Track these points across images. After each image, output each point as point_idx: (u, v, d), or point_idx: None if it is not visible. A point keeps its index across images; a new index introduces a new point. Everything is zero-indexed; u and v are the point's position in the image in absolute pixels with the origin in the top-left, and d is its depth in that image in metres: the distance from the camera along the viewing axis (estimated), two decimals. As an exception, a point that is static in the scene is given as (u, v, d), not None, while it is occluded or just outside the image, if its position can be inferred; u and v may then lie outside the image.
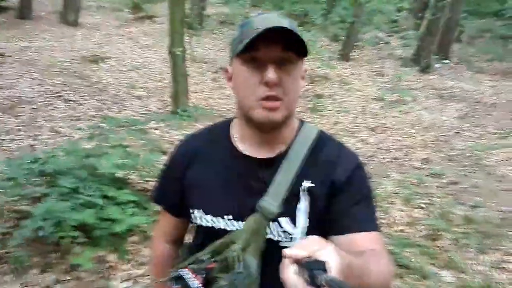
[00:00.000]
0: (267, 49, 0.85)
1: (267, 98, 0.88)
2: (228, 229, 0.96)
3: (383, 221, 3.64)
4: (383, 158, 5.34)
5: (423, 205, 3.98)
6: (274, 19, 0.87)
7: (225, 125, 1.06)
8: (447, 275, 2.89)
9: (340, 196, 0.93)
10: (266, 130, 0.94)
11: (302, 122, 1.03)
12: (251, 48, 0.85)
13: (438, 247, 3.27)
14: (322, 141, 1.00)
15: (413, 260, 2.98)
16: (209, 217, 0.98)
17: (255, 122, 0.92)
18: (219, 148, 1.02)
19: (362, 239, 0.89)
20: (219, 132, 1.05)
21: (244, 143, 0.99)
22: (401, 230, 3.50)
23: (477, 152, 5.72)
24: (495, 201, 4.20)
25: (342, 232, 0.91)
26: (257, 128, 0.94)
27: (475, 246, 3.29)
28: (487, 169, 5.15)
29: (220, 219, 0.97)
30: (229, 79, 0.97)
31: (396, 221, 3.67)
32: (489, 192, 4.43)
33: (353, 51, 11.11)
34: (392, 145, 5.91)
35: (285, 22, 0.87)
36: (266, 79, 0.86)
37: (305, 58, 0.92)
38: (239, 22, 0.97)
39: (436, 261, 3.05)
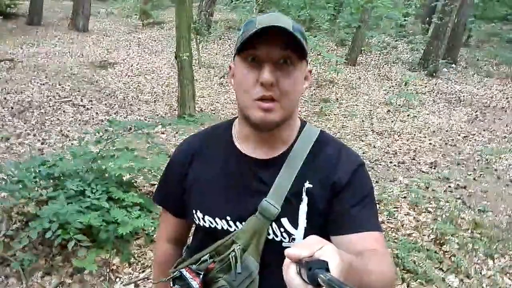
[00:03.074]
0: (266, 48, 0.85)
1: (263, 99, 0.87)
2: (229, 229, 0.95)
3: (390, 225, 3.61)
4: (390, 162, 5.31)
5: (430, 209, 3.95)
6: (276, 18, 0.87)
7: (227, 125, 1.06)
8: (453, 280, 2.86)
9: (341, 197, 0.93)
10: (263, 130, 0.93)
11: (304, 123, 1.03)
12: (251, 47, 0.85)
13: (445, 251, 3.24)
14: (324, 142, 1.00)
15: (419, 264, 2.96)
16: (209, 217, 0.98)
17: (251, 122, 0.92)
18: (219, 148, 1.02)
19: (363, 239, 0.89)
20: (221, 132, 1.05)
21: (245, 143, 0.99)
22: (408, 234, 3.48)
23: (485, 156, 5.67)
24: (503, 206, 4.15)
25: (343, 232, 0.90)
26: (254, 128, 0.94)
27: (483, 250, 3.25)
28: (496, 173, 5.09)
29: (220, 219, 0.97)
30: (232, 75, 0.97)
31: (403, 225, 3.65)
32: (497, 196, 4.38)
33: (359, 55, 11.09)
34: (399, 149, 5.88)
35: (286, 22, 0.86)
36: (261, 80, 0.85)
37: (308, 59, 0.92)
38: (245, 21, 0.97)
39: (442, 266, 3.02)
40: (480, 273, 2.98)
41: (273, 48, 0.85)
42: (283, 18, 0.88)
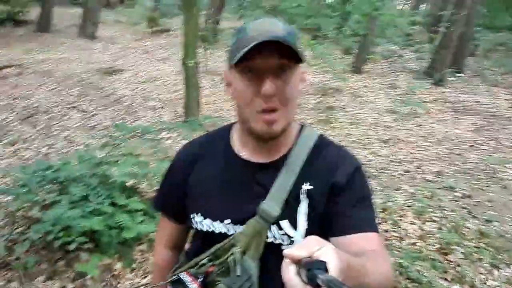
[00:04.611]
0: (263, 59, 0.85)
1: (265, 111, 0.88)
2: (228, 233, 0.96)
3: (394, 234, 3.58)
4: (395, 171, 5.28)
5: (435, 218, 3.91)
6: (268, 26, 0.87)
7: (226, 130, 1.07)
8: (458, 290, 2.83)
9: (340, 198, 0.94)
10: (266, 140, 0.95)
11: (302, 126, 1.04)
12: (247, 59, 0.85)
13: (450, 261, 3.20)
14: (322, 144, 1.01)
15: (424, 274, 2.93)
16: (208, 221, 0.98)
17: (254, 134, 0.93)
18: (219, 153, 1.03)
19: (362, 240, 0.89)
20: (219, 137, 1.06)
21: (244, 148, 1.00)
22: (413, 243, 3.44)
23: (492, 165, 5.61)
24: (509, 215, 4.10)
25: (342, 233, 0.91)
26: (257, 138, 0.95)
27: (488, 260, 3.21)
28: (502, 182, 5.04)
29: (219, 223, 0.97)
30: (228, 84, 0.98)
31: (408, 234, 3.61)
32: (503, 206, 4.33)
33: (365, 64, 11.09)
34: (404, 158, 5.84)
35: (279, 30, 0.86)
36: (262, 92, 0.86)
37: (303, 63, 0.91)
38: (235, 28, 0.97)
39: (447, 276, 2.99)
40: (486, 283, 2.94)
41: (270, 58, 0.85)
42: (275, 25, 0.88)
